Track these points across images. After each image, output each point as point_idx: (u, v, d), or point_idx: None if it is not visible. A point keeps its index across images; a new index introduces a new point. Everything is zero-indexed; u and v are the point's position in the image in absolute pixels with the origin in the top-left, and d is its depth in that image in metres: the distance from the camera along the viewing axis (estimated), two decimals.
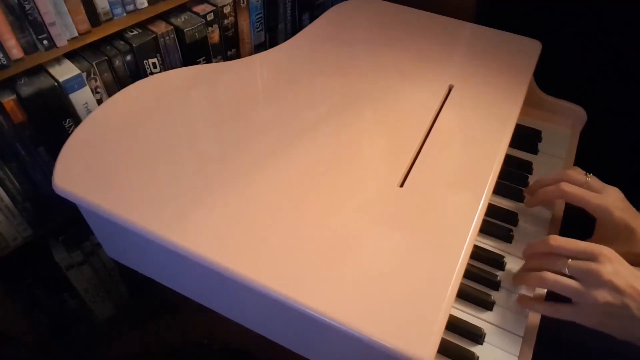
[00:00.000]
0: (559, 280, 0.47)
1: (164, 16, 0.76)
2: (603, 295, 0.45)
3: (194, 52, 0.78)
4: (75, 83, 0.65)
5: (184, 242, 0.47)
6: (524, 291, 0.55)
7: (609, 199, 0.54)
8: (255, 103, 0.64)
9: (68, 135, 0.58)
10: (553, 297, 0.50)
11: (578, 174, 0.58)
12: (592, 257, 0.47)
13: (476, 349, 0.50)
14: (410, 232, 0.49)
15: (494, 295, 0.55)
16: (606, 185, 0.56)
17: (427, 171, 0.55)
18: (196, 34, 0.76)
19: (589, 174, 0.58)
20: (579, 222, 0.59)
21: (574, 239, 0.49)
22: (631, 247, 0.52)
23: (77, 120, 0.69)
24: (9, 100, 0.61)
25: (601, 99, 0.77)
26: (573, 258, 0.48)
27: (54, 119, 0.67)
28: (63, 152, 0.55)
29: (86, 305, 0.88)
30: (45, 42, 0.62)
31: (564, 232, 0.62)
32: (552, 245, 0.49)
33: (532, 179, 0.67)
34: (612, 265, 0.46)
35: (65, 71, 0.65)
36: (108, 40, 0.70)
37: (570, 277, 0.47)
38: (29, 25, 0.60)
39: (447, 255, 0.47)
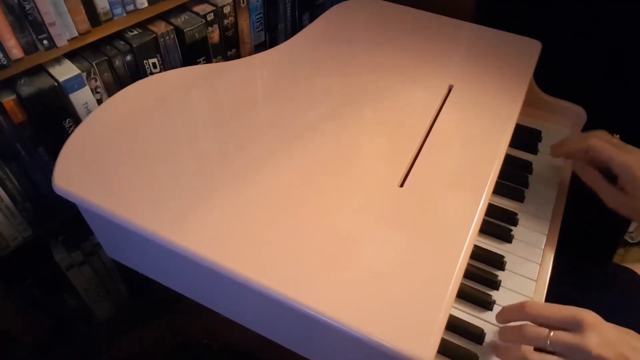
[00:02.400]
0: None
1: (164, 16, 0.76)
2: None
3: (194, 52, 0.78)
4: (75, 83, 0.66)
5: (184, 242, 0.47)
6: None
7: (633, 157, 0.54)
8: (255, 103, 0.64)
9: (68, 135, 0.58)
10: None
11: (605, 134, 0.59)
12: (574, 326, 0.43)
13: (476, 349, 0.50)
14: (410, 232, 0.49)
15: (494, 295, 0.54)
16: (632, 147, 0.57)
17: (427, 171, 0.55)
18: (196, 34, 0.76)
19: (616, 135, 0.58)
20: (578, 220, 0.60)
21: (551, 303, 0.46)
22: None
23: (77, 120, 0.69)
24: (9, 100, 0.61)
25: (601, 99, 0.77)
26: (553, 327, 0.44)
27: (54, 119, 0.67)
28: (63, 152, 0.55)
29: (86, 305, 0.88)
30: (45, 42, 0.62)
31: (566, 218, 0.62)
32: (530, 313, 0.46)
33: (532, 179, 0.67)
34: (597, 334, 0.42)
35: (65, 71, 0.65)
36: (108, 40, 0.70)
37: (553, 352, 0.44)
38: (29, 25, 0.60)
39: (447, 255, 0.47)
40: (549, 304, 0.46)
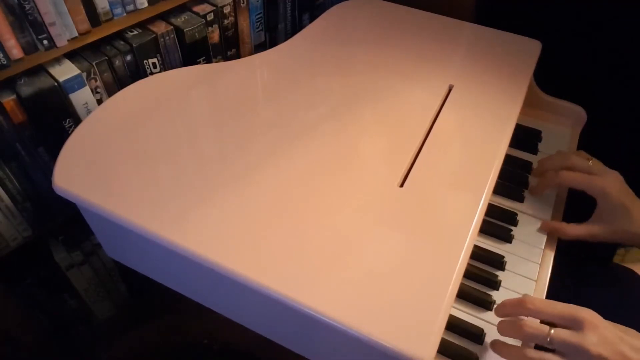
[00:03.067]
0: (545, 359, 0.44)
1: (164, 16, 0.76)
2: None
3: (194, 52, 0.78)
4: (75, 83, 0.66)
5: (184, 242, 0.47)
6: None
7: (608, 181, 0.57)
8: (255, 103, 0.64)
9: (68, 135, 0.58)
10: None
11: (581, 157, 0.60)
12: (573, 324, 0.44)
13: (476, 349, 0.50)
14: (410, 232, 0.49)
15: (494, 295, 0.54)
16: (608, 169, 0.59)
17: (427, 171, 0.55)
18: (196, 34, 0.76)
19: (592, 158, 0.60)
20: (578, 220, 0.60)
21: (551, 300, 0.46)
22: (629, 227, 0.55)
23: (77, 120, 0.69)
24: (9, 100, 0.61)
25: (601, 99, 0.77)
26: (552, 324, 0.44)
27: (54, 119, 0.67)
28: (63, 152, 0.55)
29: (86, 305, 0.89)
30: (45, 42, 0.62)
31: (566, 218, 0.62)
32: (530, 308, 0.46)
33: (532, 179, 0.67)
34: (597, 333, 0.43)
35: (65, 71, 0.65)
36: (108, 40, 0.71)
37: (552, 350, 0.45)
38: (29, 25, 0.60)
39: (447, 255, 0.47)
40: (548, 301, 0.46)
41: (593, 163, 0.60)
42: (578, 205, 0.62)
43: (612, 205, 0.56)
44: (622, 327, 0.45)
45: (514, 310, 0.48)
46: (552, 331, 0.44)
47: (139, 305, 0.98)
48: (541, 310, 0.45)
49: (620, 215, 0.56)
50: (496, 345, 0.49)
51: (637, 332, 0.45)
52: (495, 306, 0.53)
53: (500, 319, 0.49)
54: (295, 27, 0.97)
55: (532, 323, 0.45)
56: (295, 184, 0.53)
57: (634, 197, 0.57)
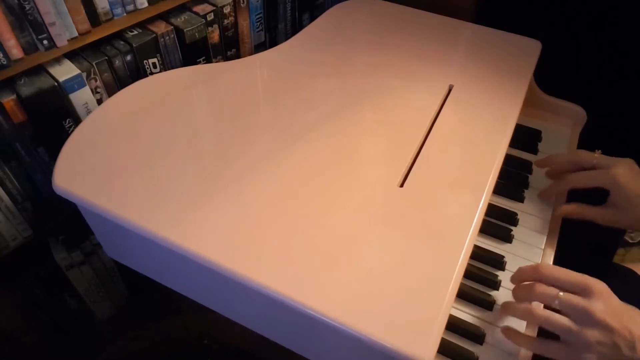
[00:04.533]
0: (550, 317, 0.46)
1: (164, 16, 0.76)
2: (594, 335, 0.43)
3: (194, 52, 0.78)
4: (75, 83, 0.65)
5: (184, 242, 0.47)
6: (509, 322, 0.52)
7: (618, 170, 0.55)
8: (255, 103, 0.64)
9: (68, 135, 0.58)
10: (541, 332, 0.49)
11: (586, 154, 0.60)
12: (583, 292, 0.45)
13: (476, 349, 0.50)
14: (410, 232, 0.49)
15: (494, 295, 0.55)
16: (617, 158, 0.58)
17: (427, 171, 0.55)
18: (196, 34, 0.76)
19: (598, 151, 0.60)
20: (578, 220, 0.60)
21: (565, 268, 0.48)
22: None
23: (77, 120, 0.69)
24: (9, 100, 0.61)
25: (601, 99, 0.77)
26: (564, 290, 0.46)
27: (54, 119, 0.67)
28: (63, 152, 0.55)
29: (86, 305, 0.88)
30: (45, 42, 0.62)
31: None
32: (544, 273, 0.48)
33: (532, 179, 0.67)
34: (604, 302, 0.44)
35: (65, 71, 0.65)
36: (108, 40, 0.70)
37: (559, 311, 0.46)
38: (29, 25, 0.60)
39: (447, 255, 0.47)
40: (562, 268, 0.48)
41: (599, 156, 0.59)
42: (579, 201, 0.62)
43: (626, 194, 0.55)
44: (630, 306, 0.46)
45: (529, 276, 0.49)
46: (561, 294, 0.46)
47: (139, 305, 0.98)
48: (554, 275, 0.47)
49: (634, 203, 0.55)
50: (506, 305, 0.51)
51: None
52: (495, 308, 0.53)
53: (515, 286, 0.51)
54: (295, 27, 0.97)
55: (542, 285, 0.47)
56: (295, 183, 0.53)
57: None
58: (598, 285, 0.45)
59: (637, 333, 0.43)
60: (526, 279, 0.50)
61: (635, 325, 0.44)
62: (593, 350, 0.43)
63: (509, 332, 0.50)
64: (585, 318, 0.44)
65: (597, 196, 0.58)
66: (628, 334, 0.43)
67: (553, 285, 0.47)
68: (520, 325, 0.52)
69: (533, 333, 0.51)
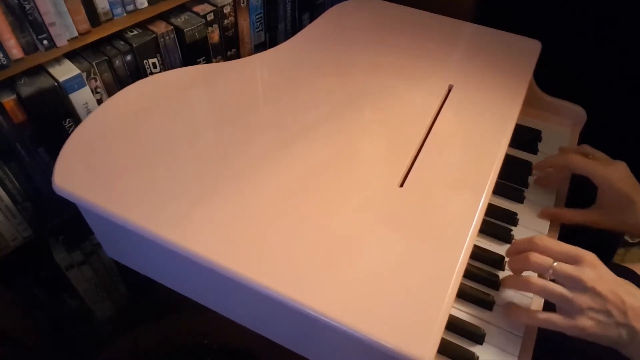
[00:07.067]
0: (546, 285, 0.48)
1: (164, 16, 0.76)
2: (586, 301, 0.45)
3: (194, 52, 0.78)
4: (75, 83, 0.65)
5: (184, 242, 0.47)
6: (510, 295, 0.55)
7: (613, 170, 0.57)
8: (255, 103, 0.64)
9: (68, 135, 0.58)
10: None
11: (585, 149, 0.62)
12: (575, 262, 0.47)
13: (476, 349, 0.50)
14: (410, 232, 0.49)
15: (494, 295, 0.54)
16: (612, 159, 0.60)
17: (427, 171, 0.55)
18: (196, 34, 0.76)
19: (596, 151, 0.62)
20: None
21: (557, 240, 0.50)
22: (629, 218, 0.56)
23: (77, 120, 0.69)
24: (9, 100, 0.61)
25: (601, 99, 0.77)
26: (557, 260, 0.48)
27: (54, 119, 0.67)
28: (63, 152, 0.55)
29: (86, 305, 0.88)
30: (45, 42, 0.62)
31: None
32: (537, 244, 0.50)
33: (532, 179, 0.67)
34: (595, 270, 0.46)
35: (65, 71, 0.65)
36: (108, 40, 0.70)
37: (554, 281, 0.48)
38: (29, 25, 0.60)
39: (447, 255, 0.47)
40: (555, 240, 0.50)
41: (597, 154, 0.61)
42: (578, 204, 0.62)
43: (614, 195, 0.57)
44: (621, 278, 0.47)
45: (524, 247, 0.51)
46: (555, 263, 0.48)
47: (139, 305, 0.98)
48: (547, 246, 0.49)
49: (624, 206, 0.56)
50: (505, 280, 0.54)
51: (634, 285, 0.47)
52: (495, 308, 0.53)
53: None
54: (295, 27, 0.97)
55: (537, 255, 0.49)
56: (295, 184, 0.53)
57: (638, 188, 0.57)
58: (589, 256, 0.47)
59: (629, 302, 0.45)
60: (521, 250, 0.51)
61: (629, 295, 0.45)
62: (586, 315, 0.45)
63: (510, 309, 0.52)
64: (576, 285, 0.46)
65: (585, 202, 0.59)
66: (620, 301, 0.45)
67: (548, 256, 0.49)
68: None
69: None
